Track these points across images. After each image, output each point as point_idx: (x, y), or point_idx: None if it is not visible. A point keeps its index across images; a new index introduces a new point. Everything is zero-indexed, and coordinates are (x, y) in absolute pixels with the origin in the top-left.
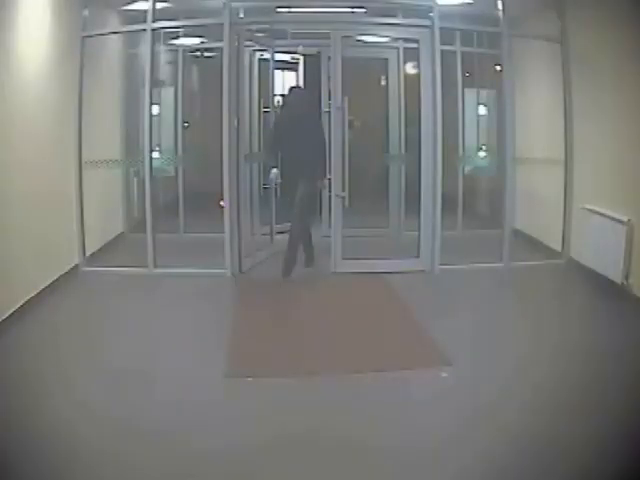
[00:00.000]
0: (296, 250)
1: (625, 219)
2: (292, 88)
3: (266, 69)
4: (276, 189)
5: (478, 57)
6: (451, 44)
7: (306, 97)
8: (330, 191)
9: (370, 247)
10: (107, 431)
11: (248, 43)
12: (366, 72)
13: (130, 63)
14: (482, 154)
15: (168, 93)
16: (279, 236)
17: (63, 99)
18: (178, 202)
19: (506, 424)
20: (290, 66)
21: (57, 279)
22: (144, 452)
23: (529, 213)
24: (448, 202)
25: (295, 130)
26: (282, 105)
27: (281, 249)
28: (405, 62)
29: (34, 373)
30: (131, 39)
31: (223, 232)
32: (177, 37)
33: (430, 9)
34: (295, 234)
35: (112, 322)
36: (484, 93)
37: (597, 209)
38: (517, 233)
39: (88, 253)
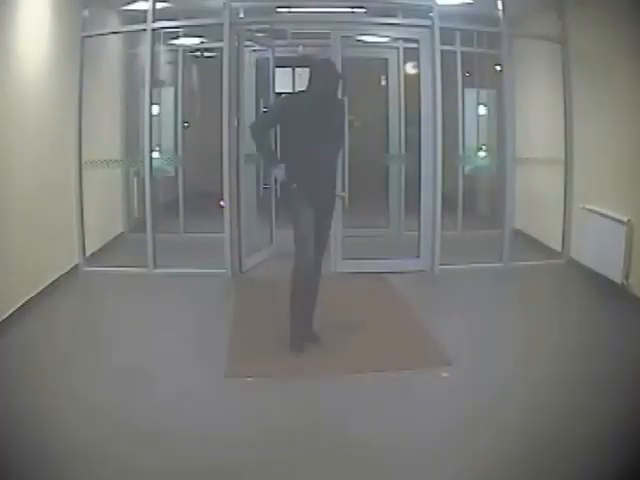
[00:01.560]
0: (313, 308)
1: (625, 219)
2: (321, 60)
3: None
4: (277, 190)
5: (478, 57)
6: (451, 44)
7: (337, 74)
8: None
9: (370, 247)
10: (107, 431)
11: (248, 43)
12: (366, 72)
13: (130, 63)
14: (482, 154)
15: (168, 93)
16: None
17: (63, 99)
18: (178, 202)
19: (506, 424)
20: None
21: (57, 279)
22: (144, 452)
23: (529, 213)
24: (448, 202)
25: (320, 119)
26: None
27: (281, 250)
28: (405, 62)
29: (34, 373)
30: (131, 39)
31: (223, 232)
32: (177, 37)
33: (430, 9)
34: (310, 279)
35: (112, 322)
36: (484, 93)
37: (597, 209)
38: (517, 233)
39: (88, 253)
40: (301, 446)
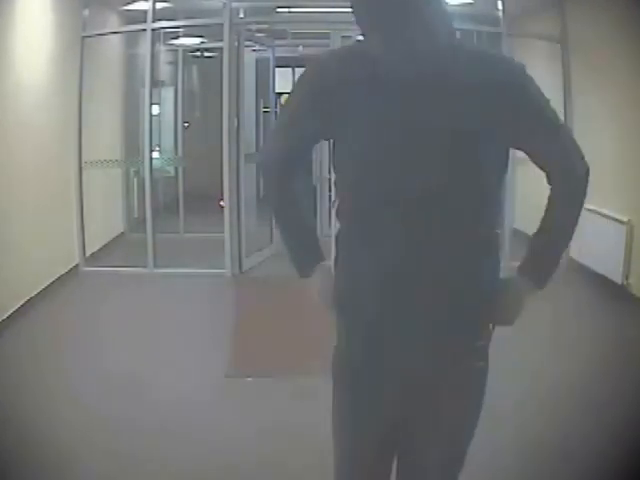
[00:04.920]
0: None
1: (625, 219)
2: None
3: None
4: None
5: None
6: None
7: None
8: (330, 191)
9: None
10: (107, 431)
11: (248, 43)
12: None
13: (130, 63)
14: None
15: (168, 93)
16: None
17: (63, 99)
18: (178, 202)
19: (505, 424)
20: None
21: (57, 279)
22: (144, 452)
23: (529, 213)
24: None
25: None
26: None
27: (281, 250)
28: None
29: (34, 373)
30: (131, 39)
31: (223, 232)
32: (177, 37)
33: None
34: None
35: (112, 322)
36: None
37: (597, 209)
38: (517, 233)
39: (88, 253)
40: (301, 446)
